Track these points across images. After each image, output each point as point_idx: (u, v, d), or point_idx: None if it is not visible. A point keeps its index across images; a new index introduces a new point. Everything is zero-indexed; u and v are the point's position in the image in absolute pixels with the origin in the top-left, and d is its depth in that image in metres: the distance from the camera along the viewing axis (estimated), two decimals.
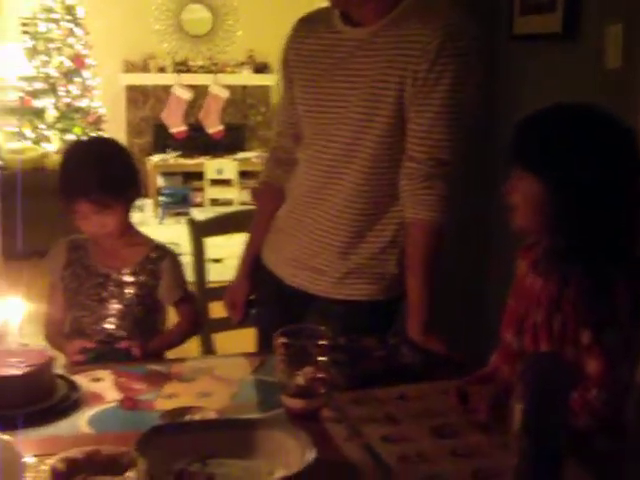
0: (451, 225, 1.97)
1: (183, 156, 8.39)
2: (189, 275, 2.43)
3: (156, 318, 2.22)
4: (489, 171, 2.95)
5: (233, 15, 8.75)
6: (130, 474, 1.19)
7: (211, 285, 2.72)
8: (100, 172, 2.05)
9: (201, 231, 2.66)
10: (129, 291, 2.13)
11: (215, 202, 7.99)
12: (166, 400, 1.63)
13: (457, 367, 1.81)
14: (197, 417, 1.49)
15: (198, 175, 8.16)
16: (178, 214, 7.45)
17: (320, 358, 1.56)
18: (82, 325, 2.11)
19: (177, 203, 7.60)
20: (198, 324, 2.33)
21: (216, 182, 8.12)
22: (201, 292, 2.61)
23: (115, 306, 2.11)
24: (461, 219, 2.16)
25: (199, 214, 7.35)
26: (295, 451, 1.34)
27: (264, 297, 2.25)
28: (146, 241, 2.23)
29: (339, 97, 1.97)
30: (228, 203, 7.83)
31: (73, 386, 1.64)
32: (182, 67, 8.69)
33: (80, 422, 1.53)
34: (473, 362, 1.81)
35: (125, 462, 1.22)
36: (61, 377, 1.66)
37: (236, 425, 1.43)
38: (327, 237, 2.02)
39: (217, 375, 1.77)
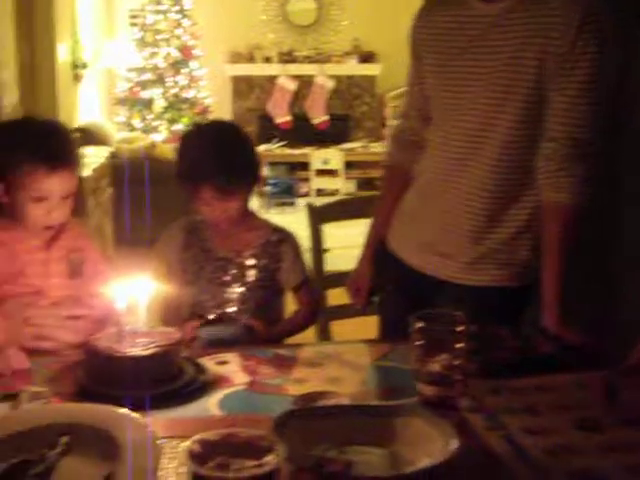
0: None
1: (288, 146, 8.40)
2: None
3: (277, 303, 2.18)
4: (623, 153, 2.80)
5: (338, 5, 8.70)
6: (269, 458, 1.13)
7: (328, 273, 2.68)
8: (224, 157, 2.02)
9: (320, 217, 2.61)
10: (251, 275, 2.09)
11: (320, 192, 7.96)
12: (296, 384, 1.58)
13: (595, 358, 1.71)
14: (331, 403, 1.44)
15: (303, 165, 8.16)
16: (283, 204, 7.46)
17: (457, 345, 1.48)
18: (203, 309, 2.09)
19: (282, 193, 7.60)
20: (317, 311, 2.29)
21: (321, 172, 8.10)
22: (319, 279, 2.56)
23: (237, 290, 2.08)
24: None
25: (305, 204, 7.34)
26: (437, 440, 1.28)
27: (389, 283, 2.19)
28: (265, 224, 2.20)
29: (472, 76, 1.88)
30: (334, 193, 7.80)
31: (200, 368, 1.61)
32: (287, 57, 8.70)
33: (209, 404, 1.49)
34: (612, 352, 1.71)
35: (263, 446, 1.16)
36: (188, 359, 1.62)
37: (373, 411, 1.37)
38: (458, 222, 1.94)
39: (346, 360, 1.72)
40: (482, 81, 1.86)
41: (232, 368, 1.66)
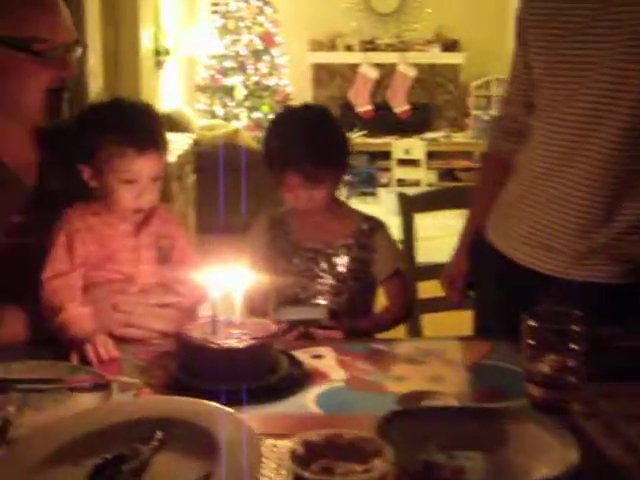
0: None
1: (369, 135, 8.30)
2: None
3: (369, 295, 2.10)
4: None
5: None
6: (377, 462, 1.05)
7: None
8: (312, 143, 1.94)
9: (412, 206, 2.52)
10: (342, 266, 2.01)
11: (402, 182, 7.85)
12: (396, 382, 1.49)
13: None
14: (436, 403, 1.35)
15: (384, 155, 8.05)
16: (364, 194, 7.37)
17: (572, 345, 1.38)
18: (294, 303, 2.01)
19: (363, 183, 7.51)
20: (411, 305, 2.19)
21: (403, 162, 7.98)
22: (411, 270, 2.47)
23: (328, 282, 2.00)
24: None
25: (386, 194, 7.24)
26: (555, 448, 1.18)
27: (487, 276, 2.08)
28: (355, 213, 2.10)
29: (588, 58, 1.75)
30: (415, 184, 7.68)
31: (296, 362, 1.53)
32: (369, 45, 8.60)
33: (307, 401, 1.42)
34: None
35: (369, 449, 1.08)
36: (283, 352, 1.55)
37: (483, 414, 1.27)
38: (567, 214, 1.81)
39: (447, 358, 1.62)
40: (597, 62, 1.73)
41: (328, 362, 1.58)
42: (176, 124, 5.75)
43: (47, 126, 1.81)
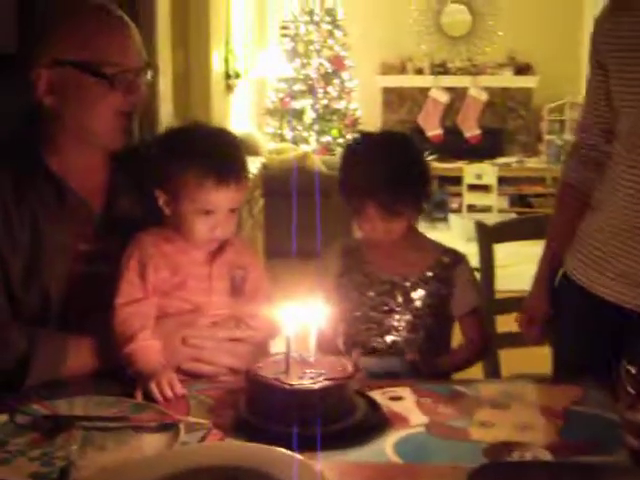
0: None
1: (439, 160, 8.17)
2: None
3: (446, 332, 1.98)
4: None
5: (494, 15, 8.44)
6: None
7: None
8: (394, 174, 1.83)
9: (491, 237, 2.41)
10: (419, 301, 1.90)
11: (472, 208, 7.70)
12: (481, 429, 1.38)
13: None
14: (528, 456, 1.24)
15: (454, 180, 7.91)
16: (434, 219, 7.24)
17: None
18: (365, 339, 1.91)
19: (433, 208, 7.37)
20: (487, 344, 2.07)
21: (474, 187, 7.83)
22: (490, 303, 2.36)
23: (404, 317, 1.89)
24: None
25: (456, 220, 7.11)
26: None
27: (569, 313, 1.96)
28: (434, 245, 1.99)
29: None
30: (486, 210, 7.52)
31: (373, 404, 1.44)
32: (440, 69, 8.51)
33: (385, 447, 1.32)
34: None
35: None
36: (359, 393, 1.46)
37: (580, 470, 1.17)
38: None
39: (534, 403, 1.51)
40: None
41: (407, 405, 1.48)
42: (246, 148, 5.72)
43: (117, 150, 1.76)
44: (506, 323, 2.40)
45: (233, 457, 1.16)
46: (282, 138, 7.59)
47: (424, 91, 8.55)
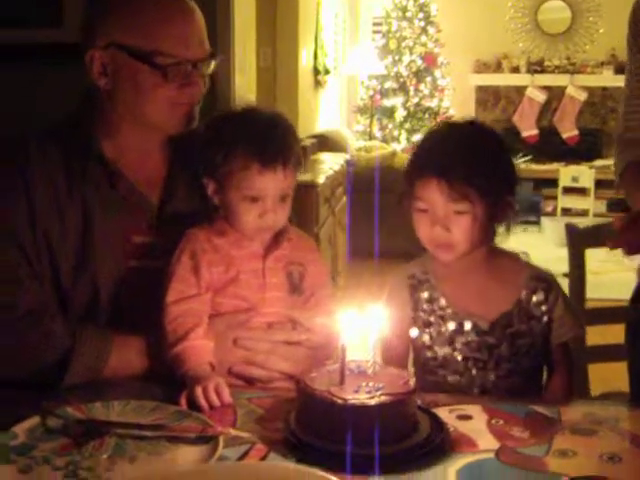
0: None
1: (534, 161, 7.89)
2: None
3: (539, 368, 1.71)
4: None
5: (595, 11, 8.11)
6: None
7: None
8: (462, 147, 1.56)
9: (583, 240, 2.22)
10: (506, 339, 1.62)
11: (567, 212, 7.41)
12: (560, 459, 1.21)
13: None
14: None
15: (549, 182, 7.63)
16: (526, 222, 6.97)
17: None
18: (442, 379, 1.65)
19: (526, 211, 7.09)
20: (573, 371, 1.80)
21: (569, 190, 7.53)
22: (581, 313, 2.15)
23: (488, 359, 1.62)
24: None
25: (550, 224, 6.85)
26: None
27: None
28: (519, 269, 1.66)
29: None
30: (582, 214, 7.23)
31: (438, 423, 1.28)
32: (536, 67, 8.23)
33: (448, 474, 1.16)
34: None
35: None
36: (423, 410, 1.30)
37: None
38: None
39: (626, 430, 1.33)
40: None
41: (476, 426, 1.32)
42: (331, 144, 5.60)
43: (175, 138, 1.65)
44: (597, 335, 2.21)
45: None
46: (371, 136, 7.45)
47: (520, 90, 8.30)
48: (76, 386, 1.46)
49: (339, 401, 1.19)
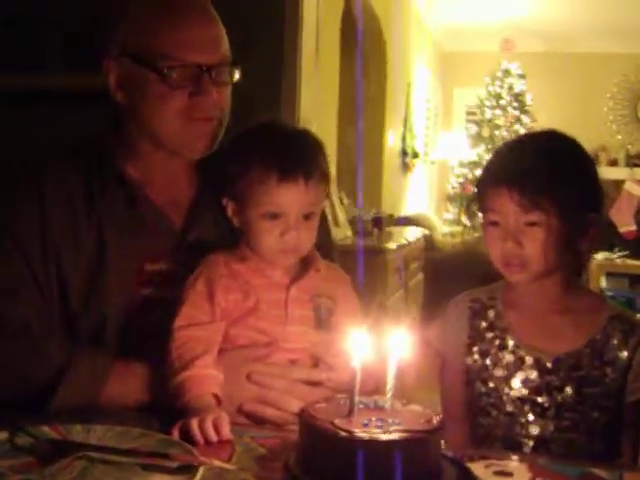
0: None
1: (630, 257, 7.53)
2: None
3: (617, 427, 1.49)
4: None
5: None
6: None
7: None
8: (538, 155, 1.44)
9: None
10: (572, 386, 1.45)
11: None
12: None
13: None
14: None
15: None
16: None
17: None
18: (505, 432, 1.49)
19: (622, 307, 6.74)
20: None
21: None
22: None
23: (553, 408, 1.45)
24: None
25: None
26: None
27: None
28: (598, 306, 1.50)
29: None
30: None
31: (466, 475, 1.07)
32: (636, 160, 7.94)
33: None
34: None
35: None
36: (449, 459, 1.10)
37: None
38: None
39: None
40: None
41: None
42: (416, 224, 5.45)
43: (203, 161, 1.52)
44: None
45: None
46: (460, 224, 7.27)
47: (618, 184, 7.99)
48: (66, 411, 1.30)
49: (342, 434, 1.00)
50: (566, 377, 1.44)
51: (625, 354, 1.44)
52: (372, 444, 0.99)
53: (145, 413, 1.31)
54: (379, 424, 1.02)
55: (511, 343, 1.49)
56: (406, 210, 6.51)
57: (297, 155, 1.35)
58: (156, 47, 1.40)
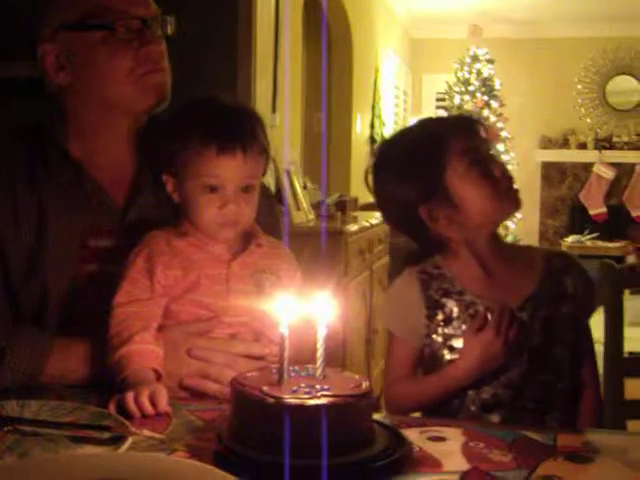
0: None
1: (600, 239, 7.60)
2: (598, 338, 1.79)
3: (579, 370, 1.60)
4: None
5: None
6: None
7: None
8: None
9: (622, 281, 2.01)
10: (535, 332, 1.54)
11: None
12: None
13: None
14: None
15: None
16: None
17: None
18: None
19: None
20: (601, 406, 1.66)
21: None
22: (615, 363, 1.92)
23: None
24: None
25: None
26: None
27: None
28: (534, 254, 1.64)
29: None
30: None
31: (399, 439, 1.07)
32: (605, 143, 7.98)
33: None
34: None
35: None
36: (382, 425, 1.10)
37: None
38: None
39: (632, 459, 1.10)
40: None
41: (449, 448, 1.10)
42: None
43: (141, 137, 1.53)
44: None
45: (143, 471, 0.84)
46: None
47: (587, 167, 8.04)
48: (7, 389, 1.30)
49: (270, 400, 1.00)
50: (531, 320, 1.53)
51: (571, 285, 1.57)
52: (299, 409, 0.99)
53: (84, 389, 1.31)
54: (307, 390, 1.02)
55: (470, 301, 1.55)
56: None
57: (236, 128, 1.36)
58: (99, 3, 1.43)
